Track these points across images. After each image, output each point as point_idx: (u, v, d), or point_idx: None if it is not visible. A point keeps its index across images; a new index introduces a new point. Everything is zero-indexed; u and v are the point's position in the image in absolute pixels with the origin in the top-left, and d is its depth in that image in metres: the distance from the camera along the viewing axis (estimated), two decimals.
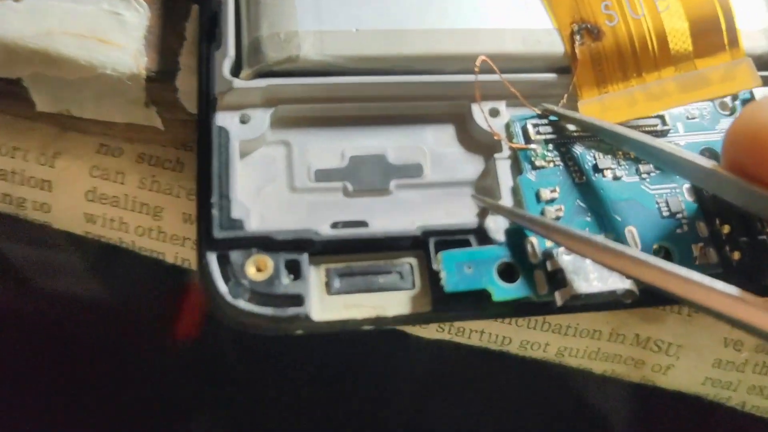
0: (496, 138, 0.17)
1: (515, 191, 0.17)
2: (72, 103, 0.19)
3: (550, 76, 0.18)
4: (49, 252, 0.41)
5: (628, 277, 0.15)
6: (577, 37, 0.17)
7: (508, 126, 0.17)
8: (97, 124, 0.20)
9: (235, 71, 0.17)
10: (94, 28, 0.19)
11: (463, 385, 0.33)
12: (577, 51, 0.17)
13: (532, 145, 0.17)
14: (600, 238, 0.15)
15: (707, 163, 0.15)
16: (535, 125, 0.17)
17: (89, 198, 0.20)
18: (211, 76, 0.17)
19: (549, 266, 0.16)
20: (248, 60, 0.17)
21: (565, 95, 0.17)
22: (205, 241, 0.15)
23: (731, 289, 0.13)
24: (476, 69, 0.17)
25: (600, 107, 0.17)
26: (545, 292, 0.16)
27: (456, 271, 0.15)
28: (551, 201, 0.17)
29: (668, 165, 0.16)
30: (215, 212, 0.15)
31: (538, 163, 0.17)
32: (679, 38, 0.17)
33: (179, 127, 0.20)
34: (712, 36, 0.17)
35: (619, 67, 0.17)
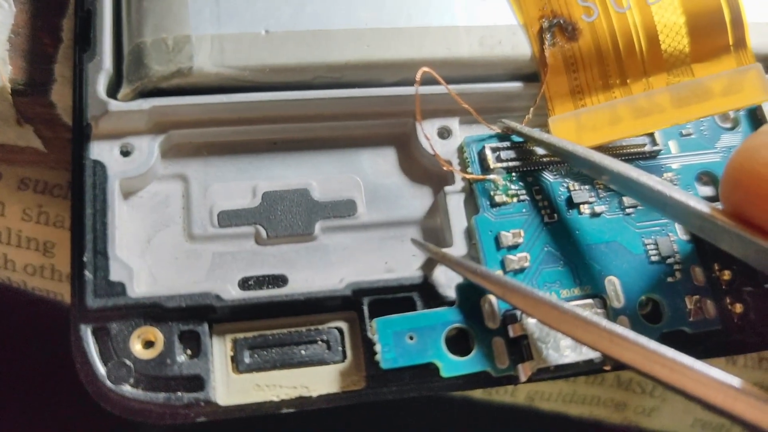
0: (445, 168, 0.14)
1: (470, 234, 0.14)
2: None
3: (514, 85, 0.14)
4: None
5: (604, 355, 0.12)
6: (548, 36, 0.14)
7: (461, 150, 0.14)
8: None
9: (112, 88, 0.13)
10: None
11: None
12: (546, 53, 0.14)
13: (492, 176, 0.14)
14: (569, 306, 0.12)
15: (703, 206, 0.12)
16: (494, 149, 0.14)
17: None
18: (84, 96, 0.13)
19: (511, 332, 0.13)
20: (128, 74, 0.13)
21: (531, 109, 0.14)
22: (78, 311, 0.12)
23: (732, 381, 0.10)
24: (417, 80, 0.13)
25: (575, 125, 0.14)
26: (506, 365, 0.13)
27: (395, 343, 0.12)
28: (514, 247, 0.13)
29: (655, 204, 0.13)
30: (88, 274, 0.12)
31: (498, 198, 0.14)
32: (674, 37, 0.14)
33: (62, 145, 0.16)
34: (715, 34, 0.14)
35: (599, 73, 0.14)
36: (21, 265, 0.17)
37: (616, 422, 0.19)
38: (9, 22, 0.15)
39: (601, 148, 0.14)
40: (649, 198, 0.13)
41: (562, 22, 0.14)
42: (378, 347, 0.12)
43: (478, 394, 0.18)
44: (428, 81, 0.14)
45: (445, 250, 0.13)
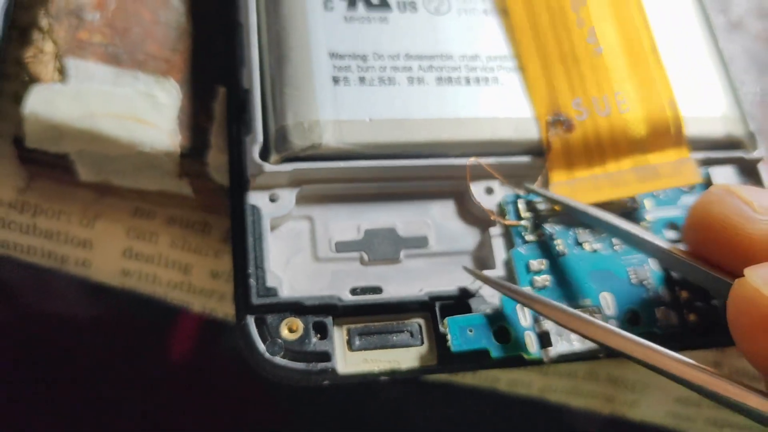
0: (491, 218, 0.20)
1: (508, 263, 0.20)
2: (112, 174, 0.21)
3: (529, 159, 0.20)
4: (44, 274, 0.42)
5: (602, 345, 0.17)
6: (551, 128, 0.20)
7: (501, 205, 0.20)
8: (132, 191, 0.22)
9: (263, 154, 0.19)
10: (131, 109, 0.21)
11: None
12: (550, 140, 0.20)
13: (522, 222, 0.20)
14: (575, 311, 0.17)
15: (665, 244, 0.18)
16: (527, 203, 0.20)
17: (126, 255, 0.22)
18: (243, 159, 0.19)
19: (537, 329, 0.19)
20: (276, 146, 0.19)
21: (539, 177, 0.20)
22: (244, 306, 0.18)
23: (687, 359, 0.16)
24: (468, 168, 0.20)
25: (569, 190, 0.20)
26: (534, 350, 0.18)
27: (460, 334, 0.18)
28: (538, 272, 0.19)
29: (634, 243, 0.19)
30: (252, 281, 0.18)
31: (527, 237, 0.20)
32: (636, 136, 0.21)
33: (206, 193, 0.22)
34: (663, 137, 0.21)
35: (585, 156, 0.20)
36: (165, 281, 0.23)
37: (605, 412, 0.24)
38: (177, 105, 0.21)
39: (596, 205, 0.20)
40: (632, 240, 0.19)
41: (561, 119, 0.21)
42: (449, 337, 0.18)
43: (504, 386, 0.24)
44: (478, 154, 0.20)
45: (487, 272, 0.19)
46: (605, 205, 0.20)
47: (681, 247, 0.18)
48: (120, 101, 0.21)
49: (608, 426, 0.25)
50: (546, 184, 0.20)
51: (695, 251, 0.17)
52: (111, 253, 0.22)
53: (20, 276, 0.43)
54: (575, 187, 0.20)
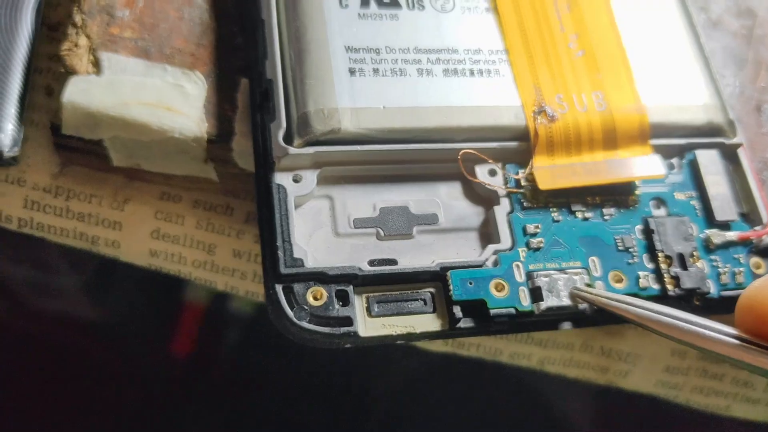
0: (496, 189, 0.22)
1: (509, 227, 0.21)
2: (142, 159, 0.23)
3: (519, 144, 0.22)
4: (46, 273, 0.44)
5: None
6: (537, 117, 0.22)
7: (505, 179, 0.22)
8: (159, 175, 0.24)
9: (287, 138, 0.21)
10: (161, 98, 0.23)
11: (441, 395, 0.37)
12: (537, 128, 0.22)
13: (521, 190, 0.22)
14: (689, 326, 0.17)
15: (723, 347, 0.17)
16: (527, 177, 0.22)
17: (154, 237, 0.24)
18: (268, 143, 0.21)
19: (530, 285, 0.20)
20: (299, 131, 0.21)
21: (531, 161, 0.22)
22: (272, 275, 0.20)
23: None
24: (459, 159, 0.22)
25: (550, 173, 0.22)
26: (527, 304, 0.20)
27: (461, 285, 0.20)
28: (534, 234, 0.21)
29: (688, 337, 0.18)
30: (280, 253, 0.20)
31: (525, 204, 0.22)
32: (608, 132, 0.23)
33: (229, 178, 0.24)
34: (631, 136, 0.23)
35: (565, 145, 0.22)
36: (190, 261, 0.24)
37: (601, 383, 0.26)
38: (203, 95, 0.23)
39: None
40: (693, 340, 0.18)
41: (546, 110, 0.23)
42: (451, 287, 0.20)
43: (506, 358, 0.25)
44: (483, 139, 0.22)
45: (595, 291, 0.20)
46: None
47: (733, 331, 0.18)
48: (151, 91, 0.22)
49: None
50: (530, 166, 0.22)
51: (749, 333, 0.17)
52: (139, 234, 0.24)
53: (21, 274, 0.44)
54: (555, 172, 0.22)
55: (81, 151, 0.24)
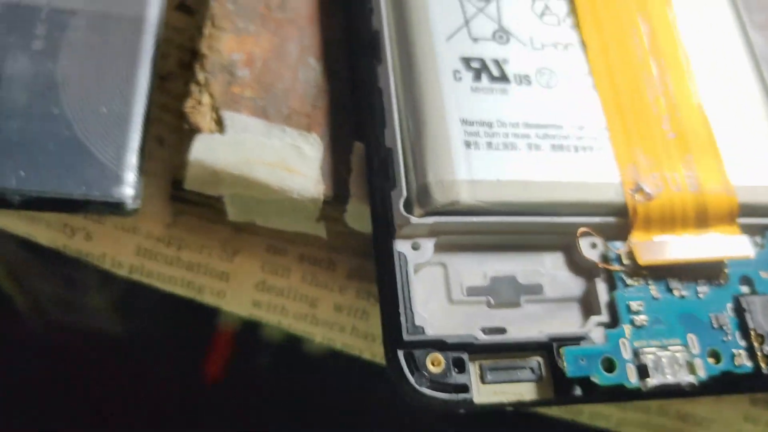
0: (599, 266, 0.23)
1: (610, 305, 0.23)
2: (258, 216, 0.24)
3: (620, 219, 0.23)
4: (78, 294, 0.44)
5: None
6: (635, 194, 0.24)
7: (605, 255, 0.23)
8: (266, 228, 0.25)
9: (407, 206, 0.22)
10: (282, 159, 0.24)
11: None
12: (635, 205, 0.23)
13: (623, 268, 0.23)
14: None
15: None
16: (627, 254, 0.23)
17: (259, 288, 0.25)
18: (389, 211, 0.22)
19: (636, 362, 0.22)
20: (419, 201, 0.22)
21: (631, 233, 0.23)
22: (395, 341, 0.21)
23: None
24: (578, 235, 0.23)
25: (648, 249, 0.23)
26: (634, 380, 0.21)
27: (574, 362, 0.21)
28: (638, 312, 0.22)
29: None
30: (403, 320, 0.21)
31: (628, 281, 0.23)
32: (700, 212, 0.24)
33: (333, 235, 0.25)
34: (720, 215, 0.24)
35: (660, 223, 0.24)
36: (292, 313, 0.25)
37: None
38: (319, 157, 0.24)
39: None
40: None
41: (643, 188, 0.24)
42: (565, 364, 0.21)
43: (585, 419, 0.26)
44: (585, 213, 0.23)
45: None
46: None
47: None
48: (272, 151, 0.23)
49: None
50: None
51: None
52: (245, 286, 0.25)
53: (52, 291, 0.45)
54: (652, 247, 0.23)
55: (195, 203, 0.24)
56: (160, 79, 0.26)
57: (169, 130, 0.26)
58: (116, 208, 0.23)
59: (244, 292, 0.25)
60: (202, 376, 0.49)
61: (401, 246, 0.22)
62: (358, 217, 0.24)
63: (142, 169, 0.24)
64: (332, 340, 0.25)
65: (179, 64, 0.27)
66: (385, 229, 0.22)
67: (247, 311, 0.25)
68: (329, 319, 0.25)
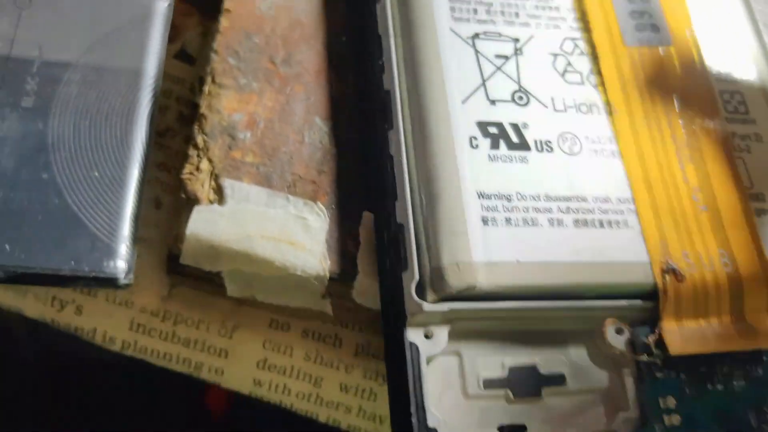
0: (623, 355, 0.21)
1: (639, 399, 0.21)
2: (259, 292, 0.22)
3: (647, 302, 0.22)
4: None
5: None
6: (665, 275, 0.22)
7: (631, 342, 0.21)
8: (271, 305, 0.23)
9: (419, 291, 0.20)
10: (284, 231, 0.22)
11: None
12: (665, 287, 0.22)
13: (653, 357, 0.21)
14: None
15: None
16: (656, 342, 0.21)
17: (260, 367, 0.23)
18: (400, 295, 0.20)
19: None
20: (433, 286, 0.20)
21: (660, 323, 0.21)
22: None
23: None
24: (604, 327, 0.21)
25: (680, 337, 0.21)
26: None
27: None
28: (669, 410, 0.21)
29: None
30: (414, 421, 0.19)
31: (658, 374, 0.21)
32: (735, 294, 0.22)
33: (338, 309, 0.23)
34: (757, 297, 0.22)
35: (693, 307, 0.22)
36: (294, 392, 0.23)
37: None
38: (325, 229, 0.23)
39: None
40: None
41: (674, 268, 0.22)
42: None
43: None
44: (610, 296, 0.22)
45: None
46: None
47: None
48: (274, 223, 0.22)
49: None
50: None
51: None
52: (246, 363, 0.23)
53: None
54: (684, 335, 0.22)
55: (193, 275, 0.23)
56: (158, 135, 0.25)
57: (167, 191, 0.24)
58: (107, 283, 0.22)
59: (244, 370, 0.23)
60: (206, 411, 0.48)
61: (413, 335, 0.20)
62: (366, 293, 0.22)
63: (137, 238, 0.23)
64: (337, 421, 0.24)
65: (179, 117, 0.26)
66: (396, 317, 0.20)
67: (248, 389, 0.24)
68: (334, 400, 0.24)
